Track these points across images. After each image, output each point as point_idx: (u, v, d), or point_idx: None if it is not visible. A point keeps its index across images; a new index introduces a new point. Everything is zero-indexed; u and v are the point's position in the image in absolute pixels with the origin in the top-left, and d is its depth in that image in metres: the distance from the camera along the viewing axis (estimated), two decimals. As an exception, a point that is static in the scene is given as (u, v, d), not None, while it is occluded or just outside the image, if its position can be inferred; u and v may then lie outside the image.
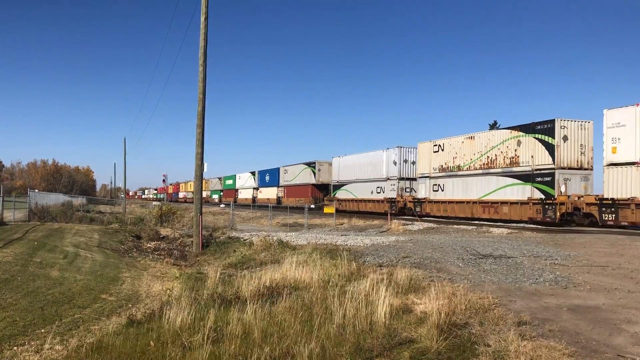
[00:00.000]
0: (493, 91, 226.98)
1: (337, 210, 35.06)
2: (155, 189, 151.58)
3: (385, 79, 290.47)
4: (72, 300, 9.00)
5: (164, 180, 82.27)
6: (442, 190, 29.42)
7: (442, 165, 29.54)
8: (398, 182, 33.55)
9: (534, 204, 22.90)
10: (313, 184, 47.06)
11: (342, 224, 28.79)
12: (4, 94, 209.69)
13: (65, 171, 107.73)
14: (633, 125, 18.35)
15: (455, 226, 23.28)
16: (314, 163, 46.96)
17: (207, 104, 19.27)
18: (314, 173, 46.70)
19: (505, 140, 24.95)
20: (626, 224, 18.79)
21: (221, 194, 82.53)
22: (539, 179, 22.73)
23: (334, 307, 6.84)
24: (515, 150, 24.17)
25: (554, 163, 22.01)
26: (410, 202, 32.44)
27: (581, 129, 22.39)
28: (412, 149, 33.65)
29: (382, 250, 14.12)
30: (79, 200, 51.74)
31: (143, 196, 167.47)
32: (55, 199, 42.14)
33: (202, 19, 18.87)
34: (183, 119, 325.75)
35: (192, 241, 20.02)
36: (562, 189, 21.68)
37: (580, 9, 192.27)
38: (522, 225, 22.79)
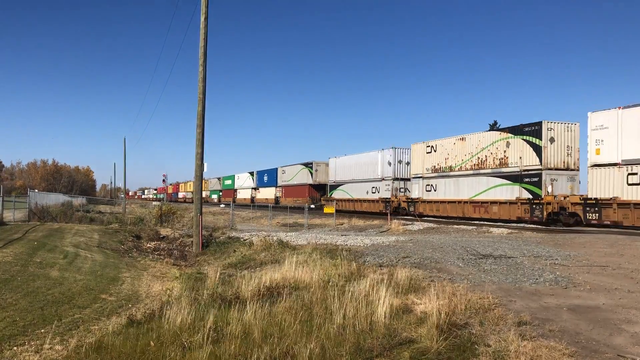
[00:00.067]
0: (491, 92, 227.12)
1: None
2: (155, 189, 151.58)
3: (382, 80, 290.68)
4: (72, 300, 9.00)
5: (163, 180, 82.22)
6: (435, 191, 30.00)
7: (434, 166, 30.16)
8: (392, 183, 34.10)
9: (522, 203, 23.49)
10: (310, 184, 47.49)
11: (342, 224, 28.79)
12: (4, 94, 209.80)
13: (65, 171, 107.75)
14: (615, 128, 18.91)
15: (455, 226, 23.29)
16: (311, 163, 47.37)
17: (206, 105, 19.29)
18: (311, 173, 47.11)
19: (495, 142, 25.57)
20: (609, 223, 19.29)
21: (220, 194, 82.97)
22: (527, 180, 23.33)
23: (334, 307, 6.84)
24: (505, 151, 24.81)
25: (541, 164, 22.59)
26: (404, 202, 33.00)
27: (567, 130, 23.02)
28: (406, 150, 34.14)
29: (382, 250, 14.12)
30: (78, 200, 51.75)
31: (143, 196, 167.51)
32: (55, 199, 42.15)
33: (202, 19, 18.87)
34: (183, 119, 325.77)
35: (192, 241, 20.01)
36: (549, 189, 22.26)
37: (580, 10, 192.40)
38: (521, 225, 22.83)
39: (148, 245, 21.54)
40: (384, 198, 34.92)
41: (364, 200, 37.59)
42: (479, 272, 10.11)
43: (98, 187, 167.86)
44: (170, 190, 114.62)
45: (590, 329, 6.06)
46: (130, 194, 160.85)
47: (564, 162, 22.96)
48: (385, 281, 8.21)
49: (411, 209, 31.96)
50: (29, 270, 11.04)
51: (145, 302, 9.50)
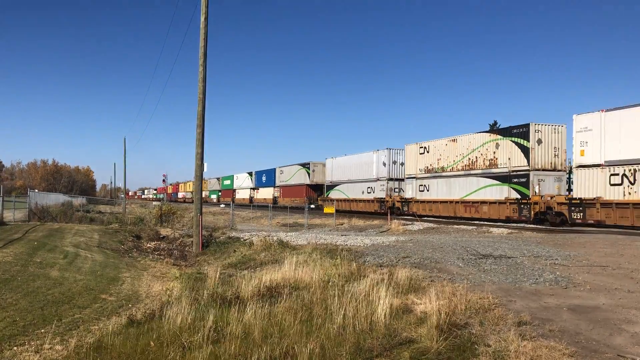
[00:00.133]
0: (490, 93, 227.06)
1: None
2: (155, 189, 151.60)
3: (380, 82, 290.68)
4: (72, 300, 9.00)
5: (163, 181, 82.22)
6: (428, 191, 30.53)
7: (427, 167, 30.67)
8: (387, 183, 34.60)
9: (510, 203, 24.04)
10: (308, 185, 47.92)
11: (342, 224, 28.79)
12: (4, 94, 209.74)
13: (65, 171, 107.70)
14: (599, 130, 19.50)
15: (455, 226, 23.30)
16: (309, 164, 47.82)
17: (206, 106, 19.28)
18: (309, 174, 47.55)
19: (485, 143, 26.10)
20: (592, 222, 19.77)
21: (219, 194, 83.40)
22: (515, 180, 23.88)
23: (334, 307, 6.84)
24: (494, 152, 25.39)
25: (528, 165, 23.14)
26: (398, 201, 33.52)
27: (555, 132, 23.54)
28: (400, 151, 34.65)
29: (382, 250, 14.12)
30: (78, 200, 51.74)
31: (143, 196, 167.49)
32: (55, 199, 42.13)
33: (202, 19, 18.87)
34: (183, 120, 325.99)
35: (192, 241, 20.01)
36: (536, 189, 22.76)
37: (580, 9, 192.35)
38: (521, 225, 22.86)
39: (148, 245, 21.54)
40: (378, 198, 35.39)
41: (360, 200, 38.06)
42: (479, 272, 10.11)
43: (98, 187, 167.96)
44: (170, 191, 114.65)
45: (590, 329, 6.06)
46: (130, 194, 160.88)
47: (551, 163, 23.47)
48: (385, 281, 8.20)
49: (405, 208, 32.48)
50: (29, 270, 11.04)
51: (145, 302, 9.50)
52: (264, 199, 59.65)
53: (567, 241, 15.47)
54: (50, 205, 33.94)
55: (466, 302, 7.13)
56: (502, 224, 23.57)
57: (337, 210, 38.98)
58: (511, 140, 24.26)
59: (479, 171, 26.38)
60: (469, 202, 26.92)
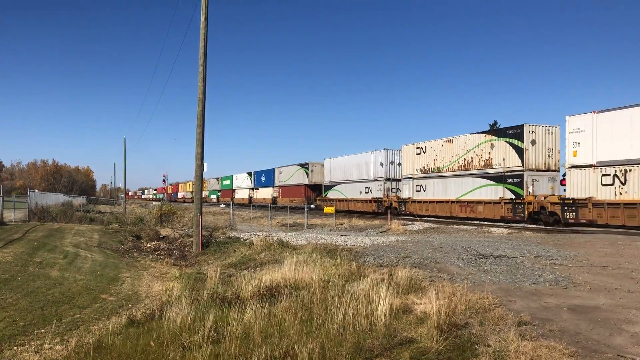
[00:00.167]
0: (490, 93, 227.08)
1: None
2: (155, 189, 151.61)
3: (379, 82, 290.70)
4: (72, 300, 9.00)
5: (164, 181, 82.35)
6: (424, 191, 30.83)
7: (423, 167, 30.99)
8: (384, 183, 34.91)
9: (505, 203, 24.30)
10: (306, 185, 48.24)
11: (342, 224, 28.80)
12: (4, 94, 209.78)
13: (65, 171, 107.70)
14: (591, 131, 19.80)
15: (455, 226, 23.31)
16: (307, 164, 48.14)
17: (205, 106, 19.27)
18: (307, 174, 47.86)
19: (480, 144, 26.40)
20: (585, 221, 20.03)
21: (219, 194, 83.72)
22: (510, 180, 24.17)
23: (334, 307, 6.84)
24: (489, 153, 25.68)
25: (522, 165, 23.41)
26: (395, 201, 33.85)
27: (548, 133, 23.80)
28: (397, 151, 34.90)
29: (382, 250, 14.12)
30: (78, 200, 51.75)
31: (143, 196, 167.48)
32: (55, 199, 42.14)
33: (202, 19, 18.87)
34: (183, 120, 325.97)
35: (192, 241, 20.01)
36: (530, 189, 23.11)
37: (581, 10, 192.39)
38: (521, 225, 22.88)
39: (148, 245, 21.54)
40: (376, 198, 35.69)
41: (358, 200, 38.38)
42: (479, 272, 10.11)
43: (98, 187, 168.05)
44: (169, 191, 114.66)
45: (590, 329, 6.06)
46: (130, 194, 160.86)
47: (545, 164, 23.74)
48: (385, 281, 8.20)
49: (402, 208, 32.81)
50: (29, 270, 11.04)
51: (145, 302, 9.50)
52: (263, 199, 59.94)
53: (567, 241, 15.47)
54: (50, 205, 33.95)
55: (466, 302, 7.13)
56: (503, 224, 23.58)
57: (335, 210, 39.28)
58: (506, 141, 24.56)
59: (475, 171, 26.67)
60: (464, 202, 27.20)
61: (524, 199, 23.19)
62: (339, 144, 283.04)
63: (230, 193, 75.56)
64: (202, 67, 18.92)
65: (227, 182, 78.46)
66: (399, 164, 34.35)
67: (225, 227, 27.33)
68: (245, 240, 19.28)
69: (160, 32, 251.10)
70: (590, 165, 19.82)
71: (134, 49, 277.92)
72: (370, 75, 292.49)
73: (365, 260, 12.25)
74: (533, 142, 23.48)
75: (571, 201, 20.53)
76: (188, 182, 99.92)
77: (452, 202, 28.04)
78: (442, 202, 28.98)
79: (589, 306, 7.18)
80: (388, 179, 34.90)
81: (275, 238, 17.65)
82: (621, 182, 18.68)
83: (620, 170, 18.73)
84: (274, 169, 57.65)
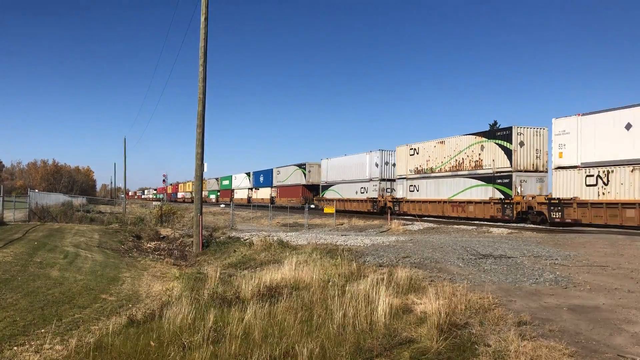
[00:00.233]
0: (490, 93, 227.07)
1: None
2: (155, 189, 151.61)
3: (380, 83, 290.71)
4: (72, 300, 9.00)
5: (164, 181, 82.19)
6: (418, 191, 31.41)
7: (417, 168, 31.56)
8: (379, 183, 35.47)
9: (494, 203, 24.96)
10: (304, 185, 48.79)
11: (342, 224, 28.80)
12: (4, 94, 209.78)
13: (65, 171, 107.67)
14: (575, 133, 20.40)
15: (455, 226, 23.32)
16: (305, 165, 48.68)
17: (205, 106, 19.26)
18: (305, 174, 48.42)
19: (471, 145, 26.99)
20: (570, 220, 20.59)
21: (218, 194, 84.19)
22: (499, 181, 24.78)
23: (334, 307, 6.84)
24: (479, 154, 26.31)
25: (511, 166, 24.04)
26: (390, 201, 34.40)
27: (536, 135, 24.45)
28: (392, 152, 35.51)
29: (382, 250, 14.12)
30: (79, 200, 51.76)
31: (143, 196, 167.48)
32: (55, 199, 42.14)
33: (202, 19, 18.87)
34: (183, 120, 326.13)
35: (192, 241, 20.01)
36: (519, 189, 23.68)
37: (581, 10, 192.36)
38: (521, 225, 22.90)
39: (148, 245, 21.54)
40: (371, 198, 36.25)
41: (354, 200, 38.89)
42: (479, 272, 10.11)
43: (98, 187, 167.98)
44: (169, 191, 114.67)
45: (590, 329, 6.06)
46: (130, 194, 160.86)
47: (533, 165, 24.31)
48: (385, 281, 8.21)
49: (396, 208, 33.35)
50: (29, 270, 11.04)
51: (145, 302, 9.50)
52: (262, 199, 60.47)
53: (567, 241, 15.47)
54: (51, 205, 33.95)
55: (466, 302, 7.13)
56: (503, 224, 23.58)
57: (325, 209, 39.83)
58: (495, 143, 25.10)
59: (466, 172, 27.22)
60: (456, 202, 27.80)
61: (512, 199, 23.73)
62: (338, 144, 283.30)
63: (229, 193, 75.95)
64: (202, 67, 18.92)
65: (226, 182, 78.88)
66: (394, 165, 34.88)
67: (225, 227, 27.33)
68: (245, 240, 19.28)
69: (160, 32, 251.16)
70: (575, 166, 20.39)
71: (134, 49, 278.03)
72: (370, 76, 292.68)
73: (366, 260, 12.25)
74: (521, 144, 24.08)
75: (557, 201, 21.11)
76: (188, 182, 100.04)
77: (444, 202, 28.62)
78: (434, 202, 29.54)
79: (589, 306, 7.18)
80: (383, 179, 35.48)
81: (275, 238, 17.65)
82: (604, 183, 19.25)
83: (603, 171, 19.28)
84: (272, 169, 58.08)
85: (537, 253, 12.76)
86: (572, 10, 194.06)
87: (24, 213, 26.45)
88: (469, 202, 26.70)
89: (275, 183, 56.78)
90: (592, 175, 19.69)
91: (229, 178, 77.10)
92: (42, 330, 7.02)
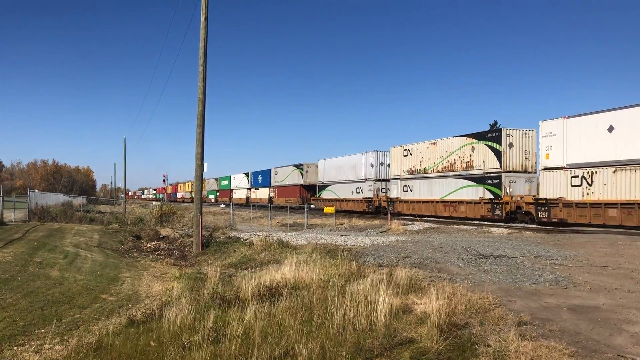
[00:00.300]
0: (489, 93, 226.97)
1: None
2: (155, 189, 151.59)
3: (380, 83, 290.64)
4: (72, 300, 9.00)
5: (164, 181, 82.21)
6: (411, 191, 31.98)
7: (410, 168, 32.13)
8: (375, 183, 36.09)
9: (485, 203, 25.58)
10: (301, 185, 49.35)
11: (342, 224, 28.79)
12: (4, 94, 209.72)
13: (65, 171, 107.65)
14: (561, 135, 20.99)
15: (456, 226, 23.32)
16: (302, 165, 49.19)
17: (205, 106, 19.25)
18: (302, 174, 48.91)
19: (462, 147, 27.58)
20: (556, 220, 21.13)
21: (217, 194, 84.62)
22: (489, 181, 25.42)
23: (334, 307, 6.83)
24: (470, 155, 26.93)
25: (500, 167, 24.66)
26: (384, 201, 35.02)
27: (525, 136, 25.05)
28: (387, 153, 36.07)
29: (382, 250, 14.11)
30: (79, 200, 51.74)
31: (142, 196, 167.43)
32: (55, 199, 42.13)
33: (202, 19, 18.87)
34: (183, 120, 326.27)
35: (192, 241, 20.00)
36: (508, 190, 24.27)
37: (581, 10, 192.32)
38: (521, 225, 22.93)
39: (148, 245, 21.53)
40: (367, 198, 36.78)
41: (349, 200, 39.40)
42: (479, 272, 10.10)
43: (98, 187, 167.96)
44: (169, 191, 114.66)
45: (590, 329, 6.06)
46: (130, 194, 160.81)
47: (522, 166, 24.92)
48: (385, 281, 8.20)
49: (391, 208, 33.84)
50: (29, 270, 11.03)
51: (145, 302, 9.49)
52: (260, 199, 60.99)
53: (567, 241, 15.47)
54: (50, 205, 33.93)
55: (466, 302, 7.13)
56: (503, 225, 23.59)
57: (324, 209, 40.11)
58: (485, 144, 25.68)
59: (457, 173, 27.75)
60: (448, 201, 28.39)
61: (501, 199, 24.31)
62: (337, 144, 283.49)
63: (228, 193, 76.31)
64: (202, 67, 18.91)
65: (225, 183, 79.27)
66: (389, 165, 35.32)
67: (225, 227, 27.32)
68: (245, 240, 19.27)
69: (160, 33, 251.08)
70: (561, 168, 20.94)
71: (134, 49, 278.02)
72: (369, 77, 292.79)
73: (366, 260, 12.24)
74: (510, 145, 24.67)
75: (544, 201, 21.64)
76: (187, 182, 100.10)
77: (437, 202, 29.21)
78: (427, 202, 30.10)
79: (589, 306, 7.18)
80: (378, 180, 36.02)
81: (275, 238, 17.64)
82: (588, 184, 19.85)
83: (587, 172, 19.84)
84: (270, 170, 58.54)
85: (537, 253, 12.76)
86: (572, 10, 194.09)
87: (24, 213, 26.44)
88: (461, 202, 27.24)
89: (273, 183, 57.18)
90: (577, 176, 20.26)
91: (228, 178, 77.42)
92: (42, 330, 7.01)
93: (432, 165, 29.91)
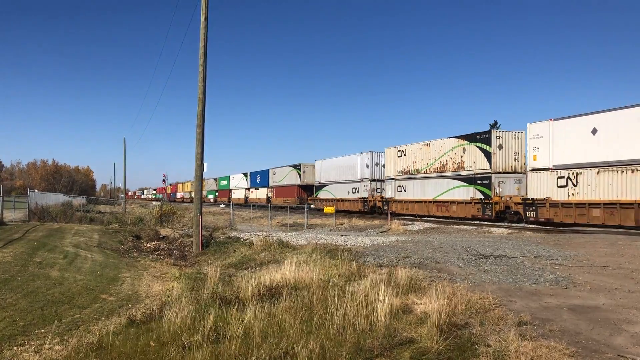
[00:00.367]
0: (489, 93, 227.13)
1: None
2: (155, 189, 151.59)
3: (380, 84, 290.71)
4: (72, 301, 8.99)
5: (163, 181, 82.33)
6: (405, 191, 32.47)
7: (404, 169, 32.61)
8: (370, 184, 36.58)
9: (475, 203, 26.09)
10: (299, 185, 49.86)
11: (342, 224, 28.79)
12: (4, 94, 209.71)
13: (65, 171, 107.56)
14: (548, 137, 21.48)
15: (456, 226, 23.33)
16: (299, 165, 49.70)
17: (205, 106, 19.24)
18: (299, 175, 49.39)
19: (454, 148, 28.06)
20: (543, 220, 21.67)
21: (216, 194, 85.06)
22: (480, 182, 25.90)
23: (334, 307, 6.83)
24: (462, 156, 27.42)
25: (490, 168, 25.17)
26: (379, 201, 35.49)
27: (515, 138, 25.57)
28: (382, 154, 36.51)
29: (382, 250, 14.11)
30: (78, 200, 51.72)
31: (142, 196, 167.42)
32: (55, 199, 42.11)
33: (202, 19, 18.86)
34: (183, 120, 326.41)
35: (192, 241, 19.99)
36: (497, 190, 24.81)
37: (581, 10, 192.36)
38: (521, 225, 22.94)
39: (148, 245, 21.52)
40: (362, 198, 37.27)
41: (346, 200, 39.81)
42: (479, 272, 10.10)
43: (98, 187, 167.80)
44: (169, 191, 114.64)
45: (590, 329, 6.05)
46: (129, 194, 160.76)
47: (511, 167, 25.43)
48: (385, 281, 8.20)
49: (385, 207, 34.26)
50: (29, 270, 11.03)
51: (145, 302, 9.49)
52: (258, 199, 61.49)
53: (567, 241, 15.47)
54: (50, 205, 33.92)
55: (466, 302, 7.13)
56: (503, 225, 23.60)
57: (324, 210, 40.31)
58: (476, 146, 26.18)
59: (449, 173, 28.21)
60: (440, 201, 28.89)
61: (491, 199, 24.79)
62: (337, 144, 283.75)
63: (227, 193, 76.67)
64: (202, 67, 18.90)
65: (224, 183, 79.65)
66: (383, 166, 35.69)
67: (225, 227, 27.31)
68: (245, 240, 19.27)
69: (160, 33, 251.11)
70: (548, 169, 21.42)
71: (134, 49, 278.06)
72: (369, 77, 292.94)
73: (366, 260, 12.24)
74: (500, 147, 25.15)
75: (531, 201, 22.17)
76: (187, 182, 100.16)
77: (430, 202, 29.66)
78: (420, 202, 30.53)
79: (589, 306, 7.17)
80: (373, 180, 36.47)
81: (275, 238, 17.63)
82: (573, 184, 20.34)
83: (573, 173, 20.33)
84: (268, 170, 58.93)
85: (537, 253, 12.76)
86: (572, 10, 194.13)
87: (24, 213, 26.43)
88: (452, 202, 27.72)
89: (271, 183, 57.59)
90: (563, 177, 20.74)
91: (227, 178, 77.77)
92: (42, 331, 7.01)
93: (425, 166, 30.36)
